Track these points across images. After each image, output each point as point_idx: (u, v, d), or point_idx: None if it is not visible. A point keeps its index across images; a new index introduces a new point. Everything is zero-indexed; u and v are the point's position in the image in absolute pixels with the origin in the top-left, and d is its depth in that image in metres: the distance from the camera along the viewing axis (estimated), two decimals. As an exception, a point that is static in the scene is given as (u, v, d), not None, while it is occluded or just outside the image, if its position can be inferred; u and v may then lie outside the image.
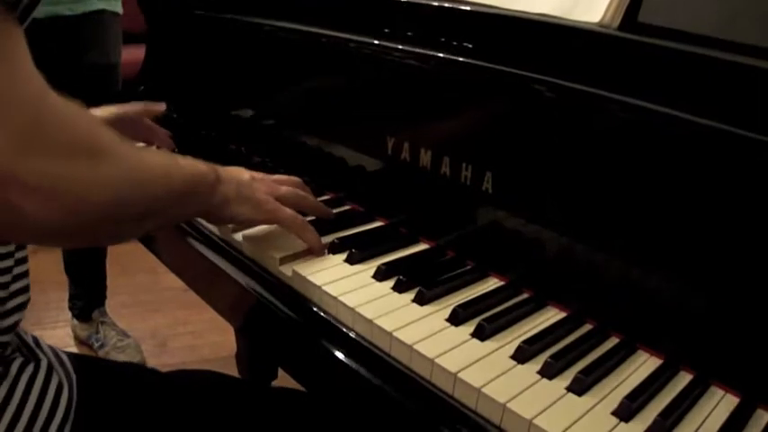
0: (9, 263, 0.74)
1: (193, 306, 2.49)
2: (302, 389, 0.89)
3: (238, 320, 1.04)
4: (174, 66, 1.53)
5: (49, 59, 1.86)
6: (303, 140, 1.17)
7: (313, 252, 0.91)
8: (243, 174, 0.90)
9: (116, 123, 1.12)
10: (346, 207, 1.06)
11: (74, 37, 1.92)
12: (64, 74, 1.93)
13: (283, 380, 1.94)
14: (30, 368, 0.77)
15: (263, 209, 0.89)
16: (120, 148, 0.66)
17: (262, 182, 0.91)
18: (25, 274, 0.78)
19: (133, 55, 1.89)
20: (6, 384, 0.73)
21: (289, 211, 0.90)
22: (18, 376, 0.75)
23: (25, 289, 0.78)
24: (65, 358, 0.84)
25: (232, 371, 1.76)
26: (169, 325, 2.51)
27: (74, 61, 1.93)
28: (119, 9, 2.04)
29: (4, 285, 0.74)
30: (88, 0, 1.93)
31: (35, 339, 0.83)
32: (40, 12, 1.78)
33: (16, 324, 0.77)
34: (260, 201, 0.88)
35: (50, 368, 0.78)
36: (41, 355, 0.80)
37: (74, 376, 0.81)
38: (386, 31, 0.98)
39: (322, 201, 1.04)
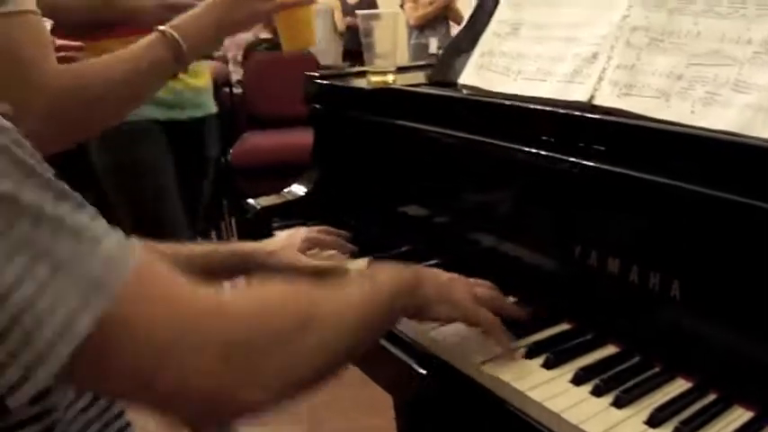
0: None
1: (348, 385, 2.63)
2: None
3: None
4: (339, 166, 1.70)
5: (181, 161, 2.19)
6: (484, 243, 1.32)
7: (506, 355, 1.03)
8: (441, 275, 1.05)
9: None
10: (531, 309, 1.18)
11: (196, 140, 2.27)
12: (192, 173, 2.28)
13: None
14: None
15: (462, 308, 1.02)
16: (319, 305, 0.79)
17: (459, 282, 1.05)
18: None
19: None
20: None
21: (486, 311, 1.03)
22: None
23: None
24: None
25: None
26: (325, 404, 2.67)
27: (200, 162, 2.29)
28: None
29: None
30: (201, 106, 2.29)
31: None
32: (158, 114, 2.12)
33: None
34: (458, 300, 1.02)
35: None
36: None
37: None
38: (580, 145, 1.11)
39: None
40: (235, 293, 0.72)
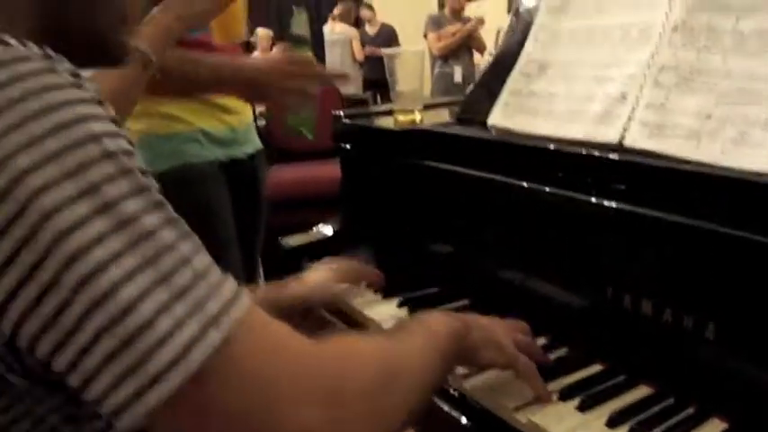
0: None
1: None
2: None
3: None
4: (367, 205, 1.72)
5: (237, 199, 2.10)
6: (514, 284, 1.33)
7: (541, 400, 1.04)
8: (481, 318, 1.07)
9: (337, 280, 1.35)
10: (563, 350, 1.19)
11: (251, 177, 2.22)
12: (248, 211, 2.21)
13: None
14: None
15: (506, 353, 1.03)
16: (400, 360, 0.82)
17: (499, 325, 1.07)
18: None
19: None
20: None
21: (525, 357, 1.04)
22: None
23: None
24: None
25: None
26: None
27: (255, 199, 2.24)
28: None
29: None
30: (251, 141, 2.22)
31: None
32: (219, 154, 2.07)
33: None
34: (503, 345, 1.03)
35: None
36: None
37: None
38: (610, 187, 1.12)
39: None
40: (326, 346, 0.76)
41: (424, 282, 1.46)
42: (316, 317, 1.38)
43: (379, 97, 8.36)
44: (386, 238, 1.62)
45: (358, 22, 9.40)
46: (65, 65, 0.67)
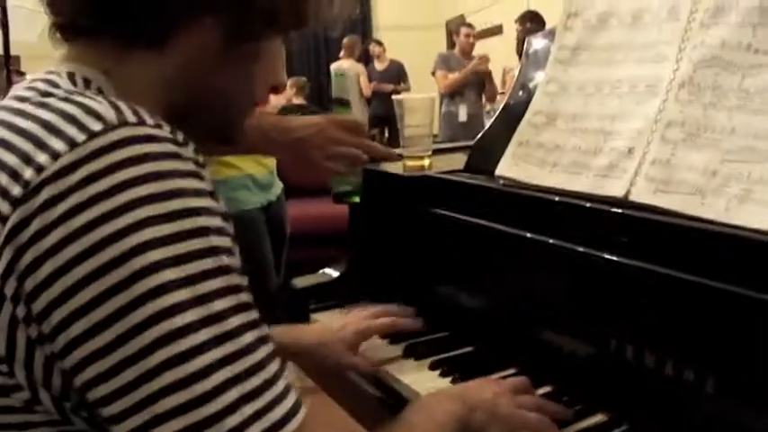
0: None
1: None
2: None
3: None
4: (375, 249, 1.75)
5: (274, 239, 2.18)
6: (518, 333, 1.35)
7: None
8: (484, 391, 1.09)
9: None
10: (566, 400, 1.21)
11: (280, 217, 2.28)
12: (276, 249, 2.27)
13: None
14: None
15: (514, 422, 1.06)
16: None
17: (502, 395, 1.09)
18: None
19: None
20: None
21: (535, 415, 1.07)
22: None
23: None
24: None
25: None
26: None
27: (282, 237, 2.30)
28: None
29: None
30: (276, 184, 2.29)
31: None
32: (263, 198, 2.13)
33: None
34: (507, 416, 1.06)
35: None
36: None
37: None
38: (614, 241, 1.15)
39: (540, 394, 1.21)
40: None
41: (428, 328, 1.48)
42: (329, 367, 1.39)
43: (387, 133, 8.41)
44: (391, 282, 1.64)
45: (367, 58, 9.47)
46: (189, 151, 0.72)
